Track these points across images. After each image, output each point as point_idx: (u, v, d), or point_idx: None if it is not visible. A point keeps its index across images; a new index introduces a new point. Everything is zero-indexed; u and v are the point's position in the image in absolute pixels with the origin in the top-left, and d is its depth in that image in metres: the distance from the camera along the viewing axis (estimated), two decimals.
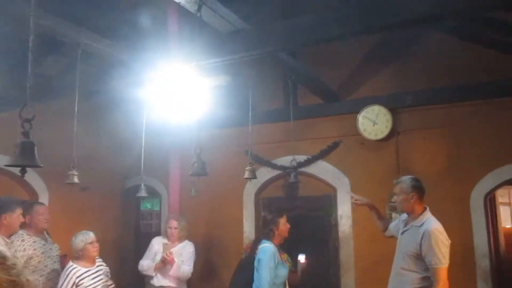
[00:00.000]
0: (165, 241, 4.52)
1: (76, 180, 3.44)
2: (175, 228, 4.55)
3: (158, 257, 4.48)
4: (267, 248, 3.74)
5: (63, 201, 4.98)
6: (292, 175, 4.25)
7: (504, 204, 7.81)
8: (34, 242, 3.89)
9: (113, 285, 3.90)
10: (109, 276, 3.92)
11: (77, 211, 5.08)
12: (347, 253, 4.67)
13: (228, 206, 5.29)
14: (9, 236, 3.32)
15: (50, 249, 4.06)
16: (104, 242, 5.00)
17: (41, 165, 1.79)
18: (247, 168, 3.42)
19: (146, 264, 4.59)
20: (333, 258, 4.83)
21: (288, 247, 5.07)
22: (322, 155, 4.88)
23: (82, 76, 3.20)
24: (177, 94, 3.15)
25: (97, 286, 3.72)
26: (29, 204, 4.10)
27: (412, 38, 4.61)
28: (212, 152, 5.31)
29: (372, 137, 4.61)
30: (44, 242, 4.02)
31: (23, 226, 3.79)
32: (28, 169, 4.57)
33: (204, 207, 5.27)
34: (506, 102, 4.15)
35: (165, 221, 4.65)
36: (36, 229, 3.99)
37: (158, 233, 5.96)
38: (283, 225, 3.84)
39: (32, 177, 4.72)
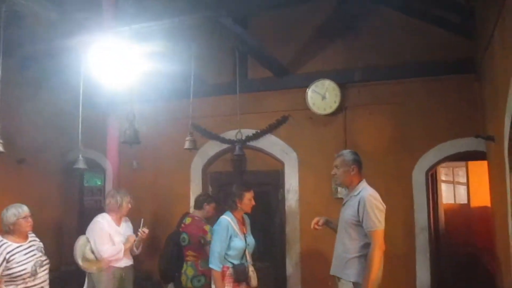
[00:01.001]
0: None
1: (0, 148, 3.20)
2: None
3: (116, 238, 4.18)
4: (221, 220, 3.73)
5: None
6: (237, 147, 4.18)
7: (448, 182, 8.12)
8: None
9: (47, 261, 3.71)
10: (43, 252, 3.72)
11: (13, 185, 4.79)
12: (293, 227, 4.69)
13: (175, 180, 5.16)
14: None
15: None
16: (43, 218, 4.78)
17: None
18: (188, 138, 3.30)
19: (112, 249, 4.14)
20: (279, 233, 4.84)
21: None
22: (270, 129, 4.83)
23: (8, 37, 2.94)
24: (112, 60, 2.97)
25: (30, 261, 3.51)
26: None
27: (361, 14, 4.59)
28: (157, 125, 5.17)
29: (320, 111, 4.59)
30: None
31: None
32: None
33: (148, 181, 5.11)
34: (451, 80, 4.22)
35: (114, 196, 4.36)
36: None
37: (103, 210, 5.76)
38: (248, 200, 3.79)
39: None
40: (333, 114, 4.58)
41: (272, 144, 4.85)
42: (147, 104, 4.79)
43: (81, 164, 3.58)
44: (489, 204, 7.61)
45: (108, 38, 2.72)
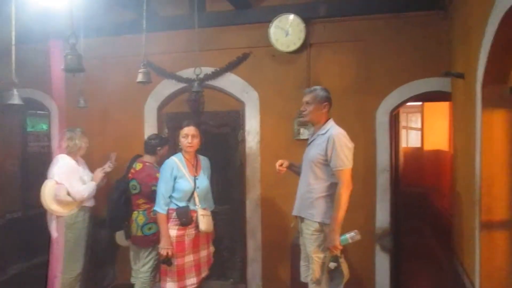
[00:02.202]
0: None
1: None
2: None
3: (85, 178, 4.10)
4: (167, 161, 3.55)
5: None
6: (195, 84, 3.89)
7: (402, 127, 8.28)
8: None
9: None
10: None
11: None
12: (253, 169, 4.55)
13: (127, 122, 4.82)
14: None
15: None
16: None
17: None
18: (140, 70, 2.97)
19: (89, 187, 4.05)
20: (238, 175, 4.69)
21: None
22: (230, 67, 4.53)
23: None
24: None
25: None
26: None
27: None
28: (106, 61, 4.74)
29: (284, 48, 4.33)
30: None
31: None
32: None
33: (97, 122, 4.74)
34: (417, 17, 4.07)
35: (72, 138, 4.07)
36: None
37: (49, 155, 5.36)
38: (182, 137, 3.58)
39: None
40: (297, 51, 4.34)
41: (232, 83, 4.58)
42: (93, 38, 4.34)
43: (16, 100, 3.14)
44: (441, 148, 7.91)
45: None
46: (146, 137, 4.33)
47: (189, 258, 3.51)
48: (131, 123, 4.80)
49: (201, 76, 4.15)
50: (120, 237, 4.07)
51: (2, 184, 5.13)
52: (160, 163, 4.05)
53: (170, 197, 3.51)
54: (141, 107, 4.82)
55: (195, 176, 3.59)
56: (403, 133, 8.71)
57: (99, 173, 4.14)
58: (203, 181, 3.65)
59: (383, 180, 4.20)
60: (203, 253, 3.63)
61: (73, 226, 4.00)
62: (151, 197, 3.84)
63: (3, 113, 5.14)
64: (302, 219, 3.18)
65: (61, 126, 4.46)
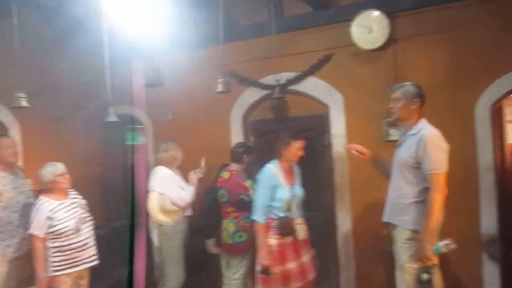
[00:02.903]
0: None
1: (24, 103, 3.07)
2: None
3: (184, 186, 4.20)
4: (265, 169, 3.51)
5: (37, 134, 4.65)
6: (276, 90, 3.86)
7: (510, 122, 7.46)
8: (2, 177, 3.64)
9: (90, 218, 3.67)
10: (86, 208, 3.69)
11: (53, 144, 4.75)
12: (341, 174, 4.39)
13: (213, 130, 4.93)
14: None
15: (22, 184, 3.82)
16: (86, 176, 4.76)
17: None
18: (220, 80, 3.01)
19: (190, 193, 4.12)
20: (326, 181, 4.56)
21: None
22: (311, 70, 4.44)
23: None
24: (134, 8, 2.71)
25: (72, 218, 3.50)
26: None
27: None
28: (193, 74, 4.92)
29: (367, 46, 4.14)
30: (14, 177, 3.77)
31: None
32: None
33: (185, 133, 4.89)
34: None
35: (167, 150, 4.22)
36: (4, 163, 3.71)
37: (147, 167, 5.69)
38: (295, 149, 3.55)
39: None
40: (381, 48, 4.11)
41: (314, 86, 4.48)
42: (178, 53, 4.54)
43: (112, 117, 3.42)
44: None
45: None
46: (232, 145, 4.39)
47: (292, 265, 3.48)
48: (218, 132, 4.91)
49: (282, 81, 4.12)
50: (210, 245, 4.16)
51: (105, 194, 5.54)
52: (246, 170, 4.09)
53: (268, 206, 3.49)
54: (227, 116, 4.91)
55: (292, 185, 3.56)
56: (509, 128, 7.85)
57: (194, 175, 4.15)
58: (299, 189, 3.62)
59: (487, 182, 3.80)
60: (305, 258, 3.59)
61: (174, 236, 4.12)
62: (240, 205, 3.88)
63: (106, 129, 5.57)
64: (394, 226, 2.99)
65: (154, 139, 4.69)
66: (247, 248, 3.94)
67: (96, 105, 5.29)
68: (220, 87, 3.03)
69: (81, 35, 4.33)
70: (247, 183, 3.92)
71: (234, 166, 4.08)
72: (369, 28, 4.10)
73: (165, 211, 4.06)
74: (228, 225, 3.95)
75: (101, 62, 3.63)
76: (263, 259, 3.41)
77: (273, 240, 3.44)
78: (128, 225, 5.71)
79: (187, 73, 4.86)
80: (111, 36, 3.34)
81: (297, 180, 3.69)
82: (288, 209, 3.51)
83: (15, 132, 4.45)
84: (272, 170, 3.51)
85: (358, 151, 3.26)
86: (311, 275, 3.62)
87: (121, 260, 5.27)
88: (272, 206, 3.48)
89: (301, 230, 3.50)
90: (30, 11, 3.12)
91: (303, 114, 4.58)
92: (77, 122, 5.10)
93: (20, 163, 4.08)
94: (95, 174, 5.42)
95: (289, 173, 3.59)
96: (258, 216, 3.47)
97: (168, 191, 4.04)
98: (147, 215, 4.18)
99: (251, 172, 4.08)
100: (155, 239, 4.21)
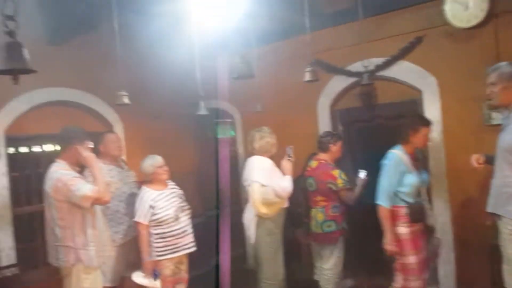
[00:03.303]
0: None
1: (126, 100, 3.33)
2: None
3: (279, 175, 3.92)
4: (391, 154, 3.45)
5: (137, 130, 5.03)
6: (365, 77, 3.75)
7: None
8: (110, 170, 3.98)
9: (188, 207, 3.90)
10: (183, 198, 3.92)
11: (152, 140, 5.10)
12: (437, 162, 4.15)
13: (300, 121, 4.94)
14: (78, 166, 3.35)
15: (127, 176, 4.15)
16: (181, 168, 5.04)
17: (35, 70, 1.58)
18: (307, 69, 3.00)
19: (287, 182, 3.80)
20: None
21: (371, 160, 4.70)
22: (402, 54, 4.23)
23: None
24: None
25: (171, 207, 3.74)
26: (100, 133, 4.16)
27: None
28: (276, 66, 4.96)
29: (463, 24, 3.85)
30: (120, 170, 4.11)
31: (98, 155, 3.84)
32: (98, 100, 4.63)
33: (273, 123, 4.92)
34: None
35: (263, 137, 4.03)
36: (110, 157, 4.06)
37: (236, 159, 5.89)
38: (423, 136, 3.47)
39: (103, 108, 4.77)
40: (479, 26, 3.80)
41: (405, 71, 4.28)
42: (263, 45, 4.60)
43: (202, 111, 3.59)
44: None
45: None
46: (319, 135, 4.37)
47: (423, 254, 3.45)
48: (305, 122, 4.91)
49: (371, 67, 4.00)
50: (300, 234, 4.19)
51: (201, 186, 5.82)
52: (334, 160, 4.05)
53: (395, 192, 3.42)
54: (314, 106, 4.89)
55: (418, 170, 3.50)
56: None
57: (288, 164, 3.88)
58: (426, 175, 3.58)
59: None
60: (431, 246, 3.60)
61: (273, 231, 3.93)
62: (328, 194, 3.87)
63: (199, 123, 5.85)
64: (499, 217, 2.77)
65: (243, 130, 4.82)
66: (337, 238, 3.91)
67: (188, 100, 5.60)
68: (307, 76, 3.02)
69: (172, 34, 4.59)
70: (335, 172, 3.88)
71: (322, 155, 4.06)
72: (465, 5, 3.81)
73: (267, 204, 3.82)
74: (317, 214, 3.95)
75: (192, 58, 3.83)
76: (388, 245, 3.39)
77: (403, 228, 3.39)
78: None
79: (273, 65, 4.92)
80: (199, 32, 3.48)
81: (422, 165, 3.62)
82: (417, 195, 3.45)
83: (118, 129, 4.85)
84: (399, 155, 3.43)
85: (477, 164, 3.03)
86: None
87: (214, 247, 5.52)
88: (400, 192, 3.40)
89: (430, 216, 3.49)
90: (126, 15, 3.36)
91: (394, 100, 4.40)
92: (172, 117, 5.41)
93: (123, 156, 4.44)
94: (189, 166, 5.71)
95: (414, 159, 3.50)
96: (383, 201, 3.40)
97: (270, 182, 3.79)
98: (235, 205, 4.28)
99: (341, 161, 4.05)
100: (252, 232, 3.99)
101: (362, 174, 3.82)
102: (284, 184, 3.78)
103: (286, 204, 3.96)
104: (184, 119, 5.65)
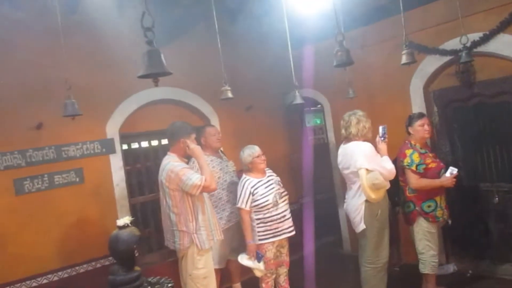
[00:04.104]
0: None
1: (229, 95, 3.55)
2: None
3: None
4: None
5: (231, 122, 5.31)
6: (463, 54, 3.60)
7: None
8: (211, 160, 4.26)
9: (285, 193, 4.06)
10: (281, 184, 4.09)
11: (244, 130, 5.36)
12: None
13: (394, 105, 4.86)
14: (185, 157, 3.66)
15: (226, 165, 4.41)
16: (274, 156, 5.23)
17: (171, 72, 1.81)
18: (404, 51, 2.98)
19: (388, 162, 3.69)
20: None
21: (471, 142, 4.54)
22: (502, 27, 3.99)
23: None
24: None
25: (270, 193, 3.93)
26: (201, 127, 4.46)
27: None
28: (369, 50, 4.93)
29: None
30: (220, 160, 4.38)
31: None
32: (196, 96, 4.94)
33: (365, 108, 4.91)
34: None
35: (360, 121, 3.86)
36: (211, 148, 4.34)
37: (326, 146, 5.95)
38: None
39: (201, 103, 5.09)
40: None
41: (506, 44, 4.03)
42: (351, 30, 4.59)
43: (298, 100, 3.70)
44: None
45: None
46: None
47: None
48: (398, 105, 4.83)
49: (468, 44, 3.83)
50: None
51: (294, 174, 5.98)
52: (423, 141, 3.98)
53: None
54: (406, 88, 4.79)
55: None
56: None
57: (383, 144, 3.77)
58: None
59: None
60: None
61: (381, 215, 3.80)
62: (403, 174, 3.88)
63: (288, 112, 6.01)
64: None
65: (334, 118, 4.85)
66: (414, 219, 3.88)
67: (278, 90, 5.77)
68: (404, 59, 3.00)
69: (262, 27, 4.76)
70: (408, 151, 3.84)
71: (408, 137, 4.02)
72: None
73: (376, 188, 3.68)
74: (401, 195, 4.02)
75: (280, 48, 3.95)
76: None
77: None
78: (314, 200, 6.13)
79: (363, 49, 4.90)
80: (289, 22, 3.59)
81: None
82: None
83: (214, 121, 5.15)
84: None
85: None
86: None
87: (310, 233, 5.67)
88: None
89: None
90: (219, 14, 3.56)
91: (495, 76, 4.18)
92: (262, 108, 5.62)
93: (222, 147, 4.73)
94: (281, 154, 5.88)
95: None
96: None
97: (375, 166, 3.66)
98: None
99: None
100: (359, 218, 3.82)
101: (453, 171, 3.71)
102: (389, 165, 3.67)
103: (388, 186, 3.82)
104: (274, 109, 5.84)
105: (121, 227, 3.01)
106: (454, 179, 3.71)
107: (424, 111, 4.56)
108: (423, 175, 3.80)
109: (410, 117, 4.02)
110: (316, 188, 6.13)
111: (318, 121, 7.87)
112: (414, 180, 3.82)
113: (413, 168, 3.80)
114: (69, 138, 4.07)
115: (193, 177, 3.33)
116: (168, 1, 4.09)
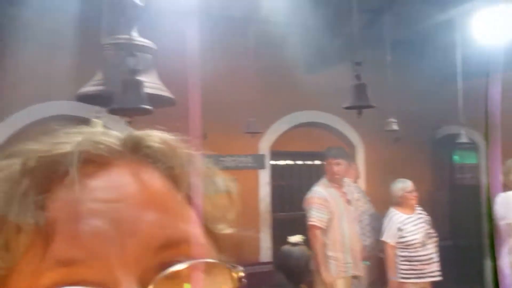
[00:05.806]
0: None
1: (394, 127, 3.51)
2: None
3: None
4: None
5: (377, 152, 5.21)
6: None
7: None
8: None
9: (435, 234, 3.85)
10: (430, 225, 3.89)
11: (390, 161, 5.20)
12: None
13: None
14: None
15: (364, 196, 4.36)
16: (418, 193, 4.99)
17: (374, 105, 1.87)
18: None
19: None
20: None
21: None
22: None
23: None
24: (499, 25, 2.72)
25: (419, 232, 3.76)
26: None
27: None
28: None
29: None
30: (360, 189, 4.36)
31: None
32: (342, 122, 4.96)
33: None
34: None
35: None
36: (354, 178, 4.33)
37: (476, 188, 5.50)
38: None
39: (347, 129, 5.10)
40: None
41: None
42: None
43: (463, 139, 3.50)
44: None
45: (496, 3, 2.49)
46: None
47: None
48: None
49: None
50: None
51: (433, 213, 5.63)
52: None
53: None
54: None
55: None
56: None
57: None
58: None
59: None
60: None
61: None
62: None
63: (436, 147, 5.70)
64: None
65: (495, 159, 4.43)
66: None
67: (430, 124, 5.51)
68: None
69: (424, 55, 4.61)
70: None
71: None
72: None
73: None
74: None
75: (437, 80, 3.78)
76: None
77: None
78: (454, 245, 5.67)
79: None
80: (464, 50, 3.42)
81: None
82: None
83: (360, 150, 5.12)
84: None
85: None
86: None
87: (459, 278, 5.24)
88: None
89: None
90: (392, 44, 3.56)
91: None
92: (410, 141, 5.41)
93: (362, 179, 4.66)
94: (424, 191, 5.59)
95: None
96: None
97: None
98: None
99: None
100: (505, 267, 3.34)
101: None
102: None
103: None
104: (422, 143, 5.59)
105: (293, 244, 3.10)
106: None
107: None
108: None
109: None
110: (459, 231, 5.69)
111: (472, 160, 7.23)
112: None
113: None
114: (227, 149, 4.40)
115: (312, 214, 3.52)
116: None
